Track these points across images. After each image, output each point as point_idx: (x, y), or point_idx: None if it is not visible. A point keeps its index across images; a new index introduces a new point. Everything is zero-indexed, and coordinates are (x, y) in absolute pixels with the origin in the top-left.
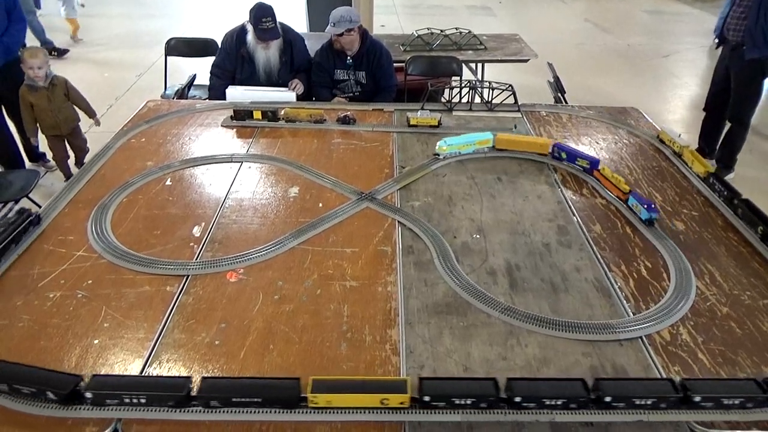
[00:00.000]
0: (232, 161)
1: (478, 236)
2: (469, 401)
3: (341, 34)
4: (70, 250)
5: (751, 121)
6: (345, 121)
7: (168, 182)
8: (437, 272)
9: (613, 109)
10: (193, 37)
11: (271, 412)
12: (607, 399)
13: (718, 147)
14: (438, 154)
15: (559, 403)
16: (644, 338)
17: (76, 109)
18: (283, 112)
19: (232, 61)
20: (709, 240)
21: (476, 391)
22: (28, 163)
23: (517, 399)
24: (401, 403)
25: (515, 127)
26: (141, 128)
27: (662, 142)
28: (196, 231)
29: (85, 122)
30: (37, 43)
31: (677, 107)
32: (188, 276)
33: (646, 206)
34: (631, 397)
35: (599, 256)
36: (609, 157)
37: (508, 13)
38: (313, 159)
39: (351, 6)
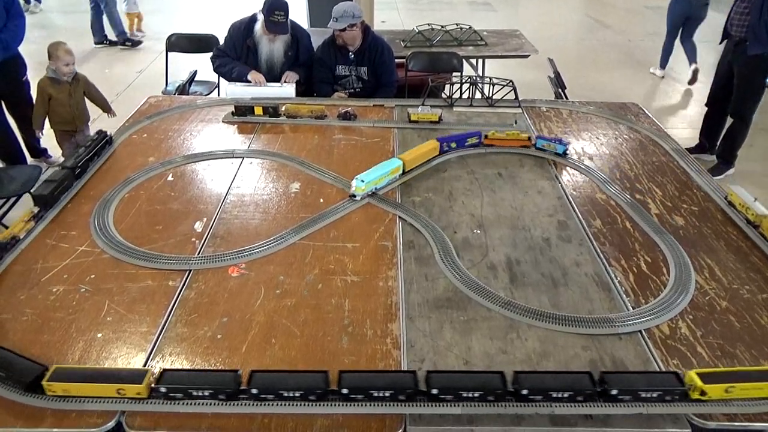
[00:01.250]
0: (233, 157)
1: (478, 231)
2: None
3: (344, 30)
4: (72, 245)
5: (753, 117)
6: (346, 116)
7: (170, 178)
8: (438, 267)
9: (613, 104)
10: (194, 33)
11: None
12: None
13: (719, 142)
14: (355, 195)
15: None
16: (643, 332)
17: (88, 107)
18: (284, 108)
19: (237, 51)
20: (709, 235)
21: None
22: (29, 159)
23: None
24: (138, 394)
25: (515, 123)
26: (142, 124)
27: (731, 205)
28: (198, 226)
29: None
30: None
31: (678, 103)
32: (190, 271)
33: (558, 142)
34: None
35: (599, 251)
36: (609, 152)
37: (508, 9)
38: (314, 155)
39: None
